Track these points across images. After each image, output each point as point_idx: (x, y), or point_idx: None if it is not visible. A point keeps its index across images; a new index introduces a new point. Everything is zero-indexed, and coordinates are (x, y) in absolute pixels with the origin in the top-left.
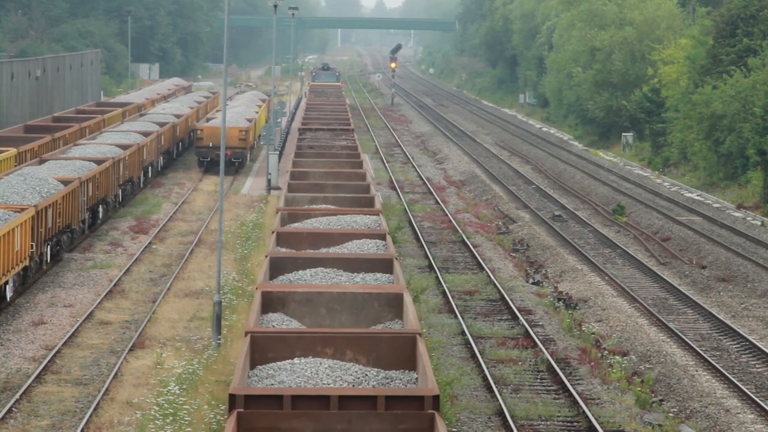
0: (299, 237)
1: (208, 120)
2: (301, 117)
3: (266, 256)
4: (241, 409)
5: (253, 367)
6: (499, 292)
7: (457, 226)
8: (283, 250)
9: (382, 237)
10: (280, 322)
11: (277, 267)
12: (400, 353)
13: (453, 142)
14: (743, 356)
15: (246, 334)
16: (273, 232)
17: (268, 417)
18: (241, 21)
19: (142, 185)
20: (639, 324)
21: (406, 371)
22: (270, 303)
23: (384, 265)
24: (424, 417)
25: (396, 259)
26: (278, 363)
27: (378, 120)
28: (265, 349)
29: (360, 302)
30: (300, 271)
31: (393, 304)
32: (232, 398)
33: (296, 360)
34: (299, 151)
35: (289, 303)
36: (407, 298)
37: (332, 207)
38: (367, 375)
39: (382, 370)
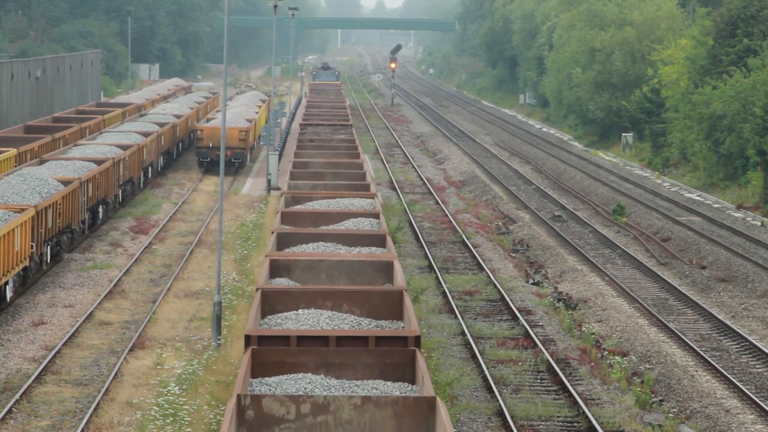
0: (302, 216)
1: (208, 120)
2: (302, 114)
3: (273, 232)
4: (255, 347)
5: (263, 317)
6: (499, 292)
7: (457, 226)
8: (288, 227)
9: (376, 216)
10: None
11: (283, 241)
12: (389, 306)
13: (453, 142)
14: (743, 356)
15: (257, 289)
16: (278, 212)
17: (277, 353)
18: (241, 21)
19: (142, 185)
20: (639, 324)
21: (394, 321)
22: (277, 269)
23: (378, 240)
24: (407, 353)
25: (388, 234)
26: (285, 314)
27: (378, 120)
28: (273, 302)
29: (356, 269)
30: (303, 245)
31: (385, 270)
32: (248, 338)
33: (300, 311)
34: (301, 144)
35: (293, 269)
36: (397, 265)
37: (332, 191)
38: (360, 324)
39: (374, 320)
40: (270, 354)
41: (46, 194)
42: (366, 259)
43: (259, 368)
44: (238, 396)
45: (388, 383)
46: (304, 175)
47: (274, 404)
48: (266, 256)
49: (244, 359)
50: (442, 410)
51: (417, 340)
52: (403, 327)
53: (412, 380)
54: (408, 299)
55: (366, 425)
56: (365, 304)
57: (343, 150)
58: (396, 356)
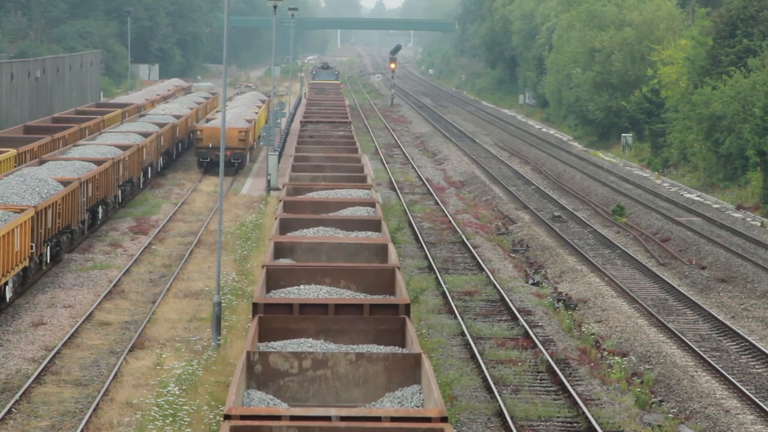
0: (303, 205)
1: (207, 121)
2: (303, 111)
3: (276, 218)
4: (262, 314)
5: (268, 291)
6: (499, 292)
7: (456, 226)
8: (290, 214)
9: (372, 205)
10: None
11: (286, 227)
12: (383, 282)
13: (452, 142)
14: (743, 357)
15: (263, 267)
16: (281, 201)
17: (281, 320)
18: (241, 21)
19: (141, 186)
20: (639, 325)
21: (387, 295)
22: (281, 251)
23: (374, 225)
24: (398, 320)
25: (383, 220)
26: (288, 288)
27: (377, 120)
28: (277, 278)
29: (353, 251)
30: (304, 230)
31: (380, 252)
32: (255, 306)
33: (302, 286)
34: (301, 140)
35: (296, 251)
36: (391, 247)
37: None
38: (356, 298)
39: (369, 295)
40: (275, 321)
41: (45, 195)
42: (363, 242)
43: (265, 334)
44: (248, 352)
45: (381, 347)
46: (304, 168)
47: (279, 360)
48: (270, 239)
49: (252, 325)
50: (427, 365)
51: (407, 308)
52: None
53: (402, 345)
54: (400, 276)
55: (360, 378)
56: (361, 280)
57: (342, 145)
58: (388, 323)
